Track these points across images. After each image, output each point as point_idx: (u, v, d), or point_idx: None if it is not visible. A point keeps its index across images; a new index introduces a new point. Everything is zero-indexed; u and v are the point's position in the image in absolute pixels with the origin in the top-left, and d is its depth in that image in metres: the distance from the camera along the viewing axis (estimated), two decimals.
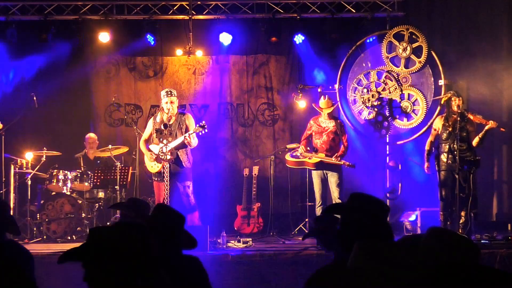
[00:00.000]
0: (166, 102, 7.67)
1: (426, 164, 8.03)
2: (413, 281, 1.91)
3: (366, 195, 2.69)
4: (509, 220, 9.10)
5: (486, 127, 7.69)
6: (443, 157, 7.81)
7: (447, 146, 7.75)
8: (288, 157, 8.56)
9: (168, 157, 7.45)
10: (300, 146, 8.42)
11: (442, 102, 8.05)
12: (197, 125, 7.58)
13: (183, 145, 7.64)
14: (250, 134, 10.28)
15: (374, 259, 1.94)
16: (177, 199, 7.70)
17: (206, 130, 7.54)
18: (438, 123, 7.96)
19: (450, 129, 7.76)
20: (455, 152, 7.62)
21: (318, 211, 8.35)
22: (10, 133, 8.68)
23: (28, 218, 8.44)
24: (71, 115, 10.18)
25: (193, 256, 3.44)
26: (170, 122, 7.65)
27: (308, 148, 8.39)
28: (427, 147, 8.04)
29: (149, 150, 7.80)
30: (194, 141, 7.61)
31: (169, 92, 7.73)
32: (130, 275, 2.10)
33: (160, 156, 7.48)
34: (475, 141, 7.74)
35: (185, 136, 7.51)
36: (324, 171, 8.33)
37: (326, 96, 8.53)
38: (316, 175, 8.38)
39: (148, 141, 7.93)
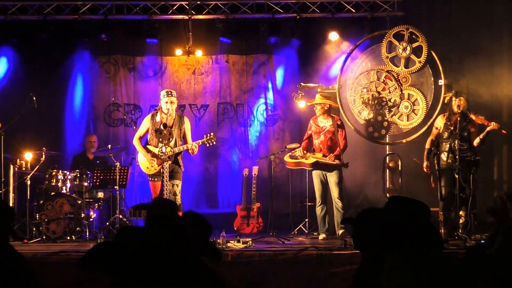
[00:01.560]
0: (166, 102, 7.66)
1: (425, 163, 8.02)
2: None
3: (406, 198, 2.68)
4: None
5: (488, 128, 7.69)
6: (444, 156, 7.80)
7: (448, 145, 7.74)
8: (287, 158, 8.57)
9: (168, 158, 7.44)
10: (299, 148, 8.42)
11: (445, 101, 8.05)
12: (206, 136, 7.64)
13: (181, 151, 7.68)
14: (250, 134, 10.27)
15: (415, 266, 1.91)
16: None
17: (214, 143, 7.70)
18: (440, 122, 7.95)
19: (451, 128, 7.75)
20: (456, 152, 7.61)
21: (318, 211, 8.35)
22: (9, 133, 8.65)
23: (27, 218, 8.42)
24: (71, 115, 10.17)
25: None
26: (170, 124, 7.63)
27: (305, 152, 8.37)
28: (427, 146, 8.02)
29: (148, 150, 7.73)
30: (197, 150, 7.68)
31: (169, 92, 7.73)
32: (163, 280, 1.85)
33: (160, 156, 7.47)
34: (475, 142, 7.74)
35: (192, 144, 7.55)
36: (323, 172, 8.32)
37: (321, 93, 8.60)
38: (315, 176, 8.38)
39: (142, 139, 7.88)
